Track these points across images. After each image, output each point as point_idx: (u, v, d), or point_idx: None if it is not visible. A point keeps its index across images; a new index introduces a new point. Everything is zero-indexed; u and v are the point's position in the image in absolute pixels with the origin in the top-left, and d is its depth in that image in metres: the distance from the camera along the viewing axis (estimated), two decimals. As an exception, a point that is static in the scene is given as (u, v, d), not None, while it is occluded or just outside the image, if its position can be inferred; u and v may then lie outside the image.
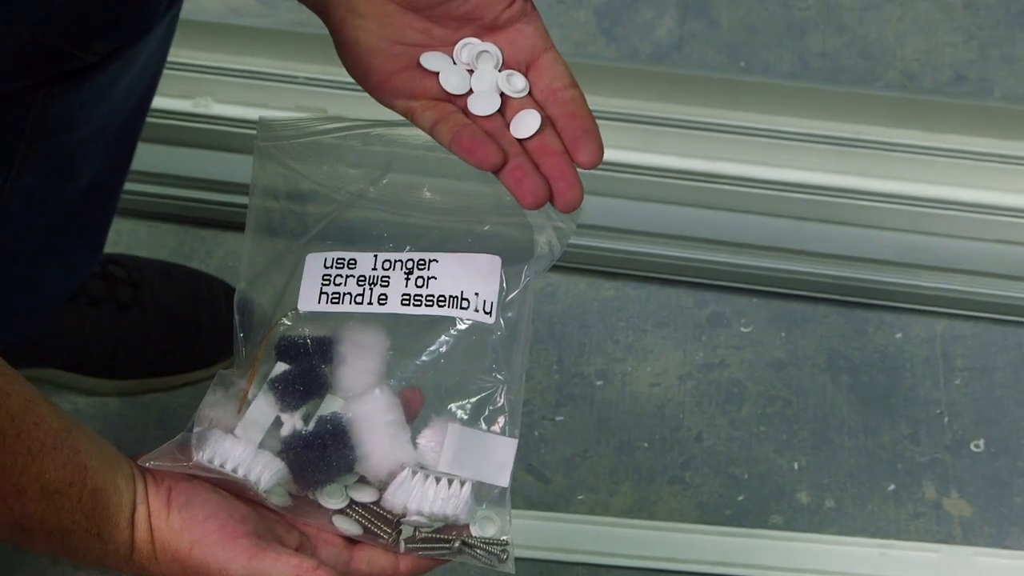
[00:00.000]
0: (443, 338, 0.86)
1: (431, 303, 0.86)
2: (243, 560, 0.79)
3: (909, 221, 1.51)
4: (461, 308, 0.86)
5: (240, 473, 0.82)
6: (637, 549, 1.34)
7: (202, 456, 0.82)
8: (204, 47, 1.62)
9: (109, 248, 1.47)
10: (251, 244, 0.89)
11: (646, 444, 1.41)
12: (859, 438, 1.42)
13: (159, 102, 1.58)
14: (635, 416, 1.43)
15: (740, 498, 1.37)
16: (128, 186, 1.52)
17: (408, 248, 0.89)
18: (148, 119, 1.55)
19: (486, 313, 0.86)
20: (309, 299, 0.88)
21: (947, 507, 1.37)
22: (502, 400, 0.86)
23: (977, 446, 1.41)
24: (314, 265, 0.89)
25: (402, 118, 0.87)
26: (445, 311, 0.86)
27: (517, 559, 1.28)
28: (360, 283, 0.88)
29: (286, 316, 0.88)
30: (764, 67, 1.73)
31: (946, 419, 1.43)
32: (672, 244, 1.52)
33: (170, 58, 1.60)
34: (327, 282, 0.88)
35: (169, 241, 1.57)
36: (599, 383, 1.46)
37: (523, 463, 1.38)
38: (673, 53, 1.75)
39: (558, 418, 1.43)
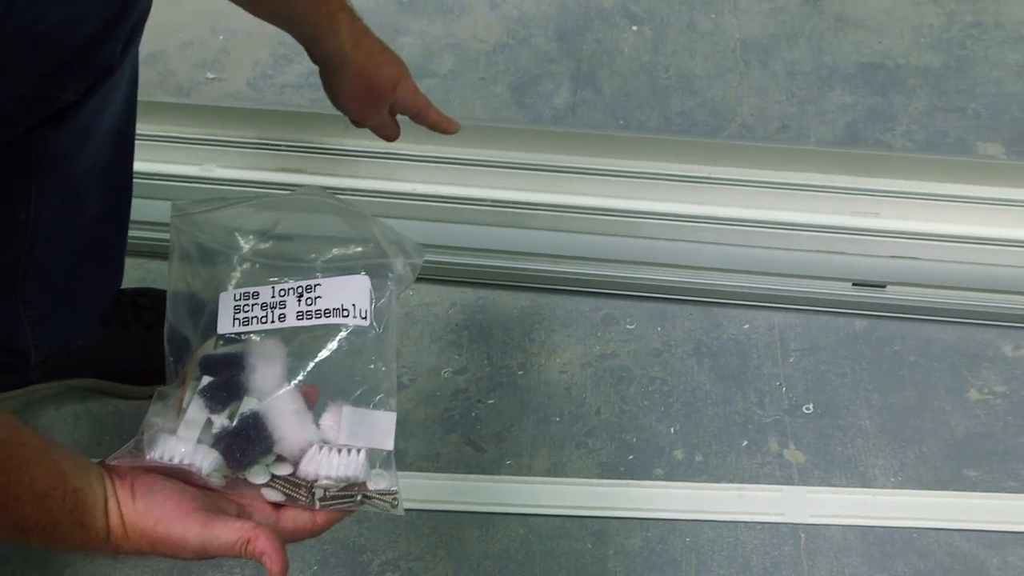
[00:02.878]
0: (332, 341, 0.88)
1: (320, 315, 0.89)
2: (198, 529, 0.80)
3: (752, 239, 1.49)
4: (343, 317, 0.89)
5: (185, 463, 0.83)
6: (553, 500, 1.31)
7: (154, 454, 0.82)
8: (209, 124, 1.59)
9: (137, 283, 1.45)
10: (173, 292, 0.91)
11: (558, 418, 1.38)
12: (719, 407, 1.39)
13: (174, 168, 1.56)
14: (549, 397, 1.40)
15: (630, 457, 1.34)
16: (151, 234, 1.50)
17: (301, 278, 0.92)
18: (165, 183, 1.54)
19: (362, 318, 0.89)
20: (225, 325, 0.90)
21: (787, 457, 1.34)
22: (381, 383, 0.88)
23: (808, 409, 1.38)
24: (227, 300, 0.91)
25: (284, 189, 0.95)
26: (331, 320, 0.89)
27: (462, 513, 1.29)
28: (263, 308, 0.91)
29: (207, 341, 0.90)
30: (638, 124, 1.71)
31: (784, 389, 1.40)
32: (573, 263, 1.49)
33: (181, 134, 1.58)
34: (238, 311, 0.91)
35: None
36: (520, 372, 1.42)
37: (463, 438, 1.35)
38: (569, 115, 1.72)
39: (489, 401, 1.39)
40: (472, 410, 1.38)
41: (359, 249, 0.95)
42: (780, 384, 1.41)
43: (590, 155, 1.54)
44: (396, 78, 1.19)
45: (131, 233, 1.43)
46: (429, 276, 1.49)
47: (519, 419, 1.37)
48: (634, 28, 1.82)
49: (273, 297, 0.91)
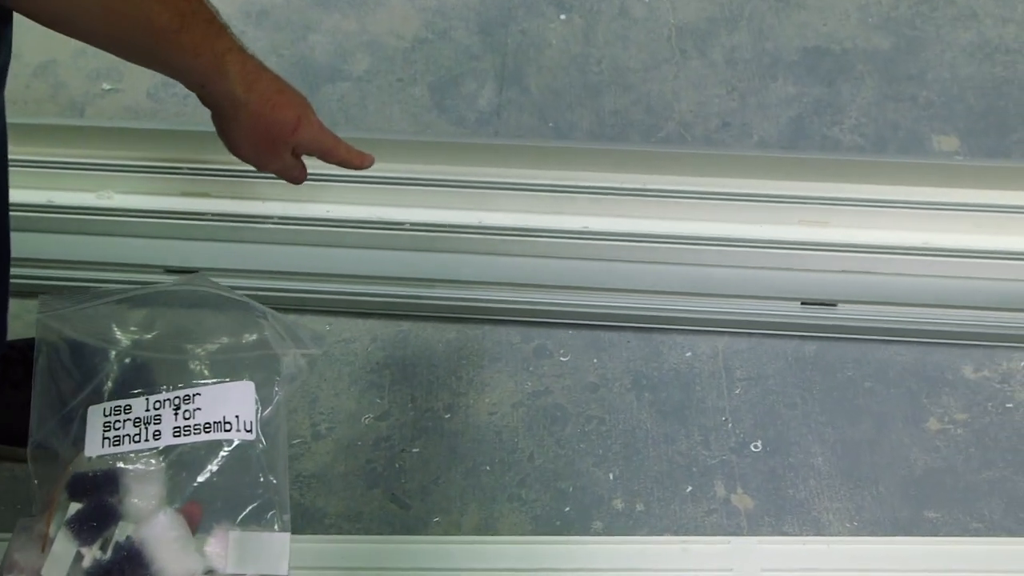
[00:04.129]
0: (215, 458, 0.81)
1: (199, 431, 0.81)
2: None
3: (692, 256, 1.36)
4: (225, 431, 0.81)
5: None
6: (485, 563, 1.18)
7: None
8: (104, 146, 1.43)
9: (31, 327, 1.30)
10: (40, 402, 0.83)
11: (488, 467, 1.24)
12: (661, 447, 1.26)
13: (68, 197, 1.41)
14: (478, 443, 1.26)
15: (567, 509, 1.21)
16: (44, 272, 1.36)
17: (179, 385, 0.83)
18: (57, 214, 1.39)
19: (247, 431, 0.81)
20: (94, 445, 0.81)
21: (735, 502, 1.21)
22: (272, 501, 0.80)
23: (756, 447, 1.25)
24: (95, 415, 0.82)
25: (164, 280, 0.89)
26: (212, 436, 0.81)
27: (392, 583, 1.16)
28: (136, 424, 0.82)
29: (75, 460, 0.81)
30: (568, 126, 1.54)
31: (730, 425, 1.27)
32: (500, 289, 1.35)
33: (74, 158, 1.42)
34: (108, 428, 0.81)
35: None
36: (447, 416, 1.28)
37: (387, 493, 1.22)
38: (494, 119, 1.56)
39: (414, 450, 1.26)
40: (396, 460, 1.25)
41: (252, 338, 0.86)
42: (726, 419, 1.27)
43: (516, 167, 1.40)
44: (296, 119, 1.04)
45: (23, 272, 1.31)
46: (348, 309, 1.35)
47: (446, 469, 1.24)
48: (562, 17, 1.66)
49: (147, 411, 0.81)
